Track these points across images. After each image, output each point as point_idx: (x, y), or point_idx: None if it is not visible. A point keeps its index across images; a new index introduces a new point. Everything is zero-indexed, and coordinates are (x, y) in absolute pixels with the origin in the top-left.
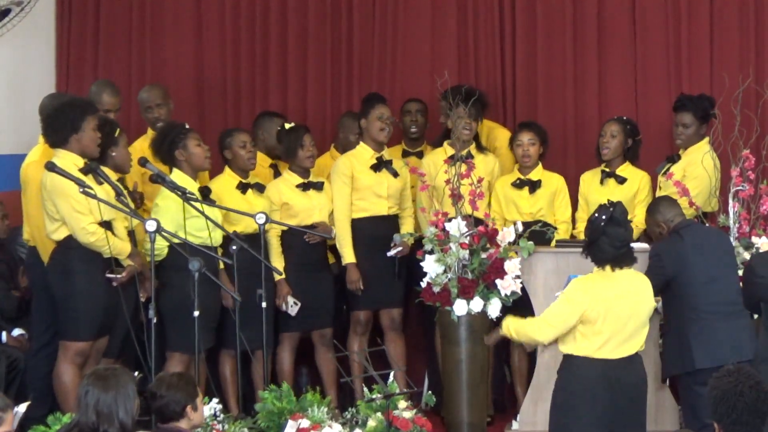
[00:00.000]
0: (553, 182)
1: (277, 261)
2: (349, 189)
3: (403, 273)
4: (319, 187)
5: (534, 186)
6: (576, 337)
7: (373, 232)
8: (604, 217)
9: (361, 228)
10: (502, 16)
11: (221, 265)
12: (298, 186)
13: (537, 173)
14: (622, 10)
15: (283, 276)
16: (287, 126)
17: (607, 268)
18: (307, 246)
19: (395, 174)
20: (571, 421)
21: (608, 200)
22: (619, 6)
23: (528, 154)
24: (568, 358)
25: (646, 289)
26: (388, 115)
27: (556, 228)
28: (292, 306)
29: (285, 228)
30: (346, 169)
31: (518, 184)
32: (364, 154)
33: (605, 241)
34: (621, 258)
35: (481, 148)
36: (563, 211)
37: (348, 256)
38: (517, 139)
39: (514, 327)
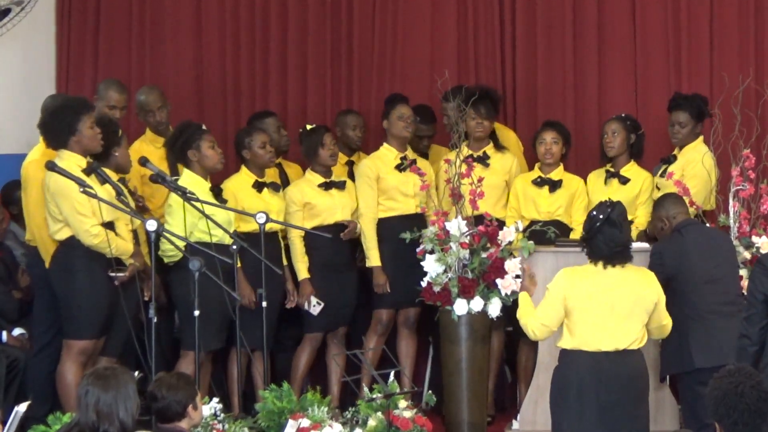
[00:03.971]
0: (574, 184)
1: (301, 262)
2: (375, 191)
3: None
4: (341, 186)
5: (554, 185)
6: (563, 330)
7: (402, 230)
8: (601, 216)
9: (389, 227)
10: (502, 16)
11: (238, 263)
12: (320, 186)
13: (558, 173)
14: (622, 11)
15: (307, 276)
16: (308, 127)
17: (600, 264)
18: (333, 246)
19: (421, 173)
20: (563, 415)
21: (609, 198)
22: (619, 6)
23: (550, 152)
24: (561, 352)
25: (643, 284)
26: (409, 114)
27: (572, 229)
28: (314, 306)
29: (295, 228)
30: (371, 171)
31: (539, 183)
32: (388, 155)
33: (600, 239)
34: (615, 256)
35: (498, 147)
36: (581, 212)
37: (374, 258)
38: (540, 137)
39: (520, 312)
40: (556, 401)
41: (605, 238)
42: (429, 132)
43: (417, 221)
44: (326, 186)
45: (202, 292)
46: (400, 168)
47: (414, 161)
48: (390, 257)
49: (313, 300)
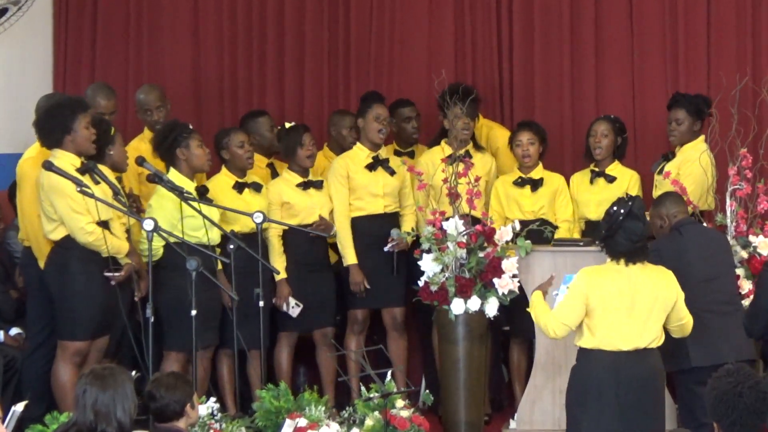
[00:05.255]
0: (555, 181)
1: (278, 261)
2: (347, 190)
3: (403, 270)
4: (318, 185)
5: (536, 185)
6: (583, 330)
7: (370, 230)
8: (622, 211)
9: (358, 227)
10: (499, 15)
11: (219, 265)
12: (298, 185)
13: (538, 172)
14: (619, 10)
15: (284, 276)
16: (287, 125)
17: (621, 261)
18: (308, 245)
19: (392, 172)
20: (581, 414)
21: (626, 194)
22: (616, 6)
23: (528, 153)
24: (580, 351)
25: (663, 283)
26: (386, 116)
27: (557, 227)
28: (293, 307)
29: (285, 227)
30: (342, 170)
31: (520, 183)
32: (360, 154)
33: (622, 235)
34: (636, 252)
35: (478, 147)
36: (564, 210)
37: (350, 257)
38: (517, 138)
39: (536, 311)
40: (574, 400)
41: (627, 233)
42: (412, 113)
43: (385, 221)
44: (304, 186)
45: (184, 291)
46: (370, 167)
47: (387, 160)
48: (361, 257)
49: (292, 301)
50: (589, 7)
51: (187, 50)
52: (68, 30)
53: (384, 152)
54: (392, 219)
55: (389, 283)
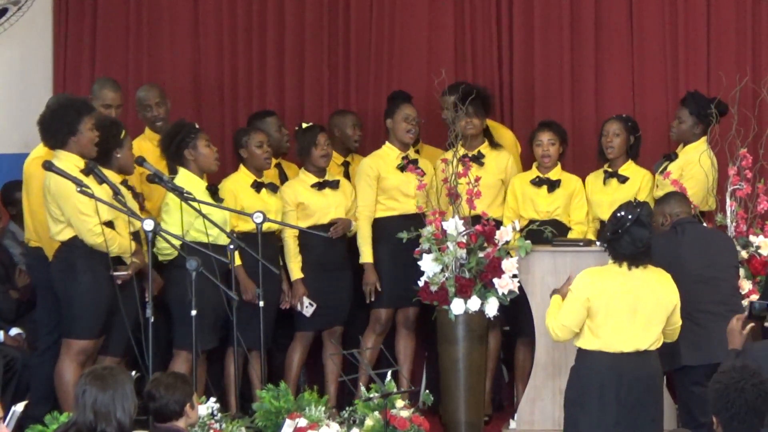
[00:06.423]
0: (572, 183)
1: (294, 261)
2: (373, 190)
3: None
4: (334, 185)
5: (553, 185)
6: (584, 330)
7: (401, 230)
8: (630, 216)
9: (388, 226)
10: (499, 14)
11: (237, 261)
12: (313, 186)
13: (556, 173)
14: (620, 10)
15: (301, 276)
16: (303, 125)
17: (624, 265)
18: (326, 245)
19: (422, 173)
20: (581, 415)
21: (635, 199)
22: (616, 5)
23: (548, 153)
24: (579, 352)
25: (664, 287)
26: (414, 116)
27: (570, 228)
28: (307, 307)
29: (292, 228)
30: (371, 170)
31: (537, 182)
32: (390, 154)
33: (627, 240)
34: (639, 256)
35: (494, 145)
36: (579, 212)
37: (366, 255)
38: (537, 138)
39: (548, 312)
40: (574, 401)
41: (632, 239)
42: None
43: (417, 221)
44: (320, 186)
45: (195, 291)
46: (401, 168)
47: (415, 161)
48: (389, 256)
49: (306, 301)
50: (589, 7)
51: (187, 50)
52: (68, 30)
53: (413, 153)
54: (422, 219)
55: (411, 284)
